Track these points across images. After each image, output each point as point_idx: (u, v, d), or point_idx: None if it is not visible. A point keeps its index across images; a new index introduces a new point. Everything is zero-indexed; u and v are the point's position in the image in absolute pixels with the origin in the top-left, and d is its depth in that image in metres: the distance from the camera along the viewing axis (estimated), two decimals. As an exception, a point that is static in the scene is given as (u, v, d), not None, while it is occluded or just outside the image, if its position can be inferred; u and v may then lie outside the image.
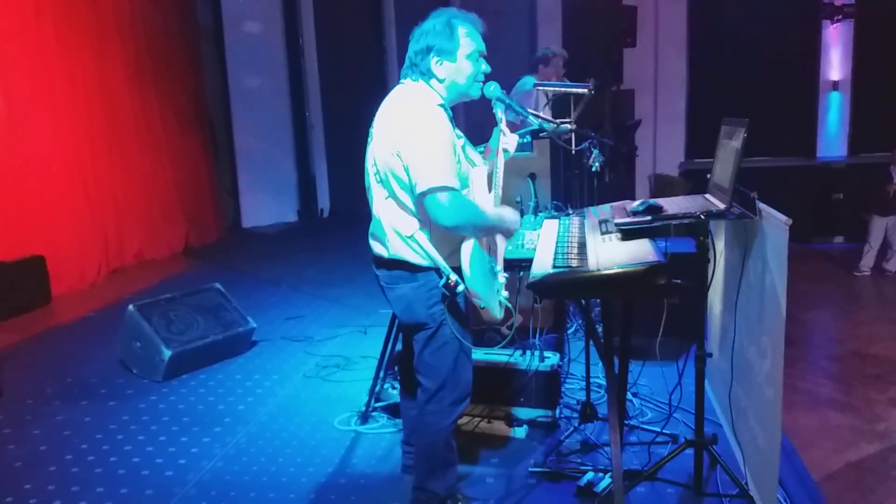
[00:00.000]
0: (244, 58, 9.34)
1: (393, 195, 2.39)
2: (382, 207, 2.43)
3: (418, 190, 2.27)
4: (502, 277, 2.54)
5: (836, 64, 9.42)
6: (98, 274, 6.71)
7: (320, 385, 4.16)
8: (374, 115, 2.48)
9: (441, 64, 2.40)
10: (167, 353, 4.14)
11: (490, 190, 2.51)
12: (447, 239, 2.36)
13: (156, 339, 4.18)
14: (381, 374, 3.66)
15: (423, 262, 2.39)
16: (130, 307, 4.29)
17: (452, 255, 2.35)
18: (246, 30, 9.33)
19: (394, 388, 3.68)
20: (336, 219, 10.09)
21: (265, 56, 9.58)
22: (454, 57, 2.40)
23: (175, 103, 8.18)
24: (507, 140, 2.64)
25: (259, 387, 4.14)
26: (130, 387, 4.16)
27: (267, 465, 3.25)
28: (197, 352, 4.33)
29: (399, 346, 3.46)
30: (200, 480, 3.13)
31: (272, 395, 4.02)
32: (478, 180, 2.47)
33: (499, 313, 2.46)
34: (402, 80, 2.48)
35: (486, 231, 2.44)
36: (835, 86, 9.46)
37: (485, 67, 2.47)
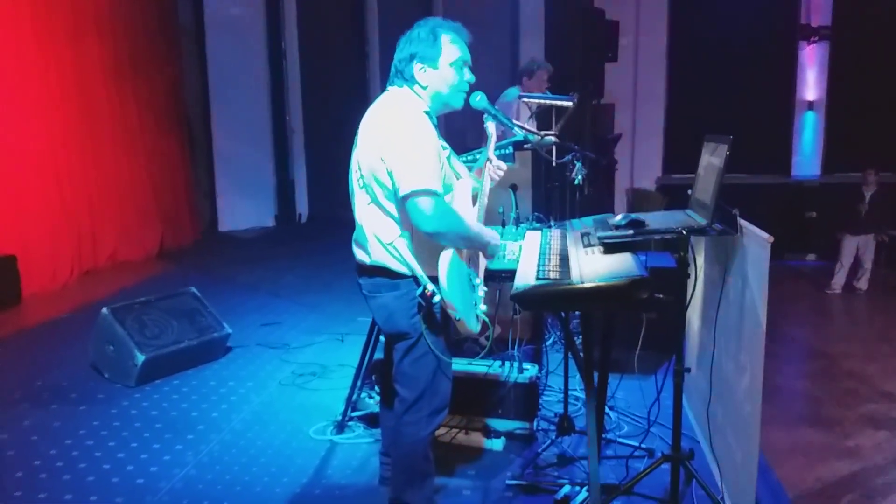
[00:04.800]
0: (225, 59, 9.28)
1: (375, 201, 2.38)
2: (365, 213, 2.42)
3: (401, 193, 2.25)
4: (481, 291, 2.53)
5: (811, 84, 9.60)
6: (70, 275, 6.60)
7: (296, 393, 4.11)
8: (356, 122, 2.47)
9: (424, 71, 2.40)
10: (140, 358, 4.08)
11: (474, 204, 2.51)
12: (426, 247, 2.35)
13: (129, 342, 4.11)
14: (359, 383, 3.63)
15: (403, 270, 2.37)
16: (104, 310, 4.21)
17: (432, 266, 2.33)
18: (227, 31, 9.27)
19: (371, 397, 3.66)
20: (314, 224, 10.05)
21: (246, 58, 9.53)
22: (436, 64, 2.40)
23: (153, 103, 8.10)
24: (492, 169, 2.61)
25: (234, 394, 4.09)
26: (102, 391, 4.08)
27: (241, 474, 3.20)
28: (171, 357, 4.27)
29: (377, 355, 3.44)
30: (172, 489, 3.07)
31: (247, 403, 3.97)
32: (461, 192, 2.46)
33: (475, 326, 2.44)
34: (387, 88, 2.48)
35: (466, 242, 2.42)
36: (810, 105, 9.64)
37: (468, 77, 2.47)
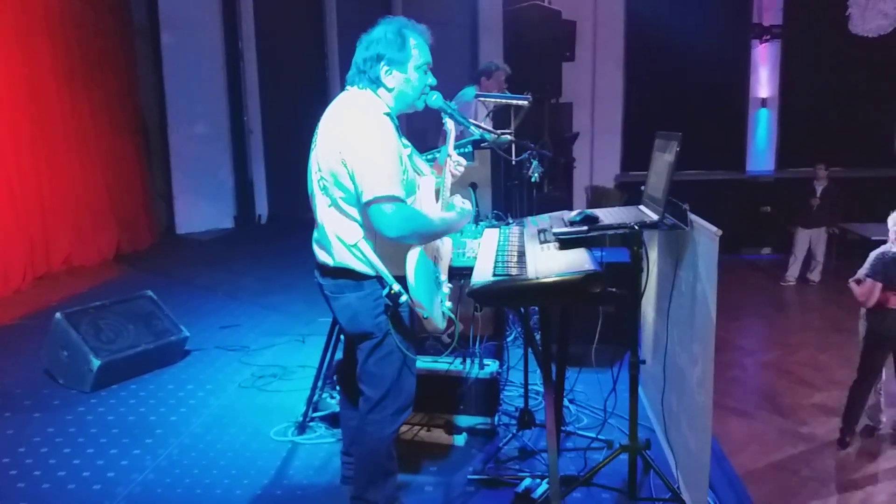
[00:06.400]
0: (181, 60, 9.12)
1: (335, 203, 2.37)
2: (326, 215, 2.41)
3: (364, 199, 2.26)
4: (446, 287, 2.55)
5: (764, 82, 9.82)
6: (23, 280, 6.44)
7: (256, 395, 4.08)
8: (315, 121, 2.46)
9: (391, 74, 2.39)
10: (96, 363, 4.01)
11: (437, 200, 2.52)
12: (391, 248, 2.35)
13: (84, 347, 4.04)
14: (320, 384, 3.62)
15: (368, 271, 2.38)
16: (58, 314, 4.13)
17: (397, 265, 2.34)
18: (183, 31, 9.12)
19: (332, 397, 3.64)
20: (274, 225, 9.94)
21: (203, 58, 9.39)
22: (405, 67, 2.40)
23: (108, 104, 7.94)
24: (452, 165, 2.63)
25: (192, 397, 4.04)
26: (57, 397, 4.00)
27: (200, 477, 3.17)
28: (127, 361, 4.20)
29: (338, 355, 3.44)
30: (130, 494, 3.03)
31: (206, 406, 3.93)
32: (425, 189, 2.48)
33: (442, 323, 2.46)
34: (347, 87, 2.46)
35: (432, 238, 2.44)
36: (763, 103, 9.85)
37: (430, 80, 2.48)
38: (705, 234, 2.54)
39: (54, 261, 7.02)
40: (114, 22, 8.18)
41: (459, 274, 2.86)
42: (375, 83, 2.40)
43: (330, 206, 2.38)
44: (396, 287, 2.33)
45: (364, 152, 2.27)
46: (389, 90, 2.41)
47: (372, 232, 2.34)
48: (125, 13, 8.53)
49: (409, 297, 2.31)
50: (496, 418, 3.52)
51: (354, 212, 2.35)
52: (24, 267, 6.50)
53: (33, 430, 3.62)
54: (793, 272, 8.02)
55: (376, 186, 2.24)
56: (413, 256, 2.30)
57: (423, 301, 2.32)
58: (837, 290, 7.59)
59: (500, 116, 4.80)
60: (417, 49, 2.41)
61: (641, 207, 2.92)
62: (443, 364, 3.52)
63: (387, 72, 2.38)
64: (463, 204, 2.55)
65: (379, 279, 2.37)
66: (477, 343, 3.69)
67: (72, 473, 3.19)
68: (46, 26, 6.99)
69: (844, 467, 4.13)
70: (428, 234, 2.38)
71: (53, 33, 7.09)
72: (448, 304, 2.53)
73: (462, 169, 2.66)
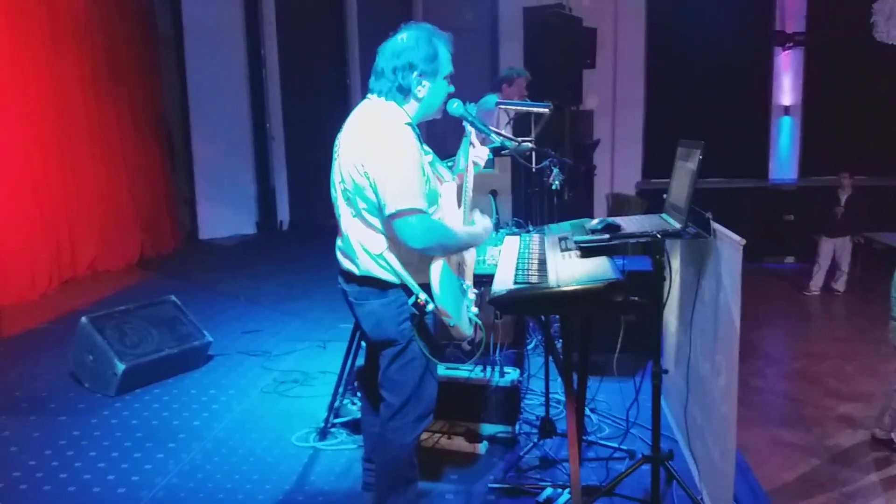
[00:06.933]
0: (204, 67, 9.23)
1: (359, 214, 2.38)
2: (350, 225, 2.42)
3: (387, 211, 2.26)
4: (472, 293, 2.56)
5: (787, 89, 9.73)
6: (49, 284, 6.54)
7: (278, 400, 4.11)
8: (336, 128, 2.46)
9: (423, 84, 2.38)
10: (120, 367, 4.05)
11: (459, 205, 2.53)
12: (416, 258, 2.36)
13: (109, 352, 4.09)
14: (341, 390, 3.63)
15: (393, 280, 2.38)
16: (83, 319, 4.19)
17: (422, 274, 2.35)
18: (206, 39, 9.23)
19: (353, 403, 3.66)
20: (296, 231, 10.01)
21: (225, 65, 9.49)
22: (436, 78, 2.40)
23: (132, 111, 8.05)
24: (476, 152, 2.66)
25: (215, 402, 4.08)
26: (82, 401, 4.05)
27: (223, 481, 3.19)
28: (151, 366, 4.24)
29: (360, 361, 3.45)
30: (154, 498, 3.06)
31: (228, 411, 3.96)
32: (447, 196, 2.49)
33: (469, 329, 2.47)
34: (369, 95, 2.45)
35: (457, 250, 2.45)
36: (786, 110, 9.76)
37: (449, 88, 2.49)
38: (728, 243, 2.52)
39: (80, 265, 7.12)
40: (139, 30, 8.31)
41: (480, 281, 2.87)
42: (404, 92, 2.38)
43: (354, 216, 2.39)
44: (423, 296, 2.33)
45: (386, 164, 2.27)
46: (419, 100, 2.41)
47: (396, 242, 2.35)
48: (150, 22, 8.66)
49: (436, 306, 2.32)
50: (517, 427, 3.51)
51: (377, 222, 2.36)
52: (51, 271, 6.60)
53: (59, 433, 3.67)
54: (817, 282, 7.91)
55: (399, 199, 2.24)
56: (437, 266, 2.32)
57: (449, 309, 2.34)
58: (863, 300, 7.50)
59: (521, 124, 4.81)
60: (446, 58, 2.42)
61: (664, 216, 2.91)
62: (463, 372, 3.52)
63: (420, 81, 2.38)
64: (483, 220, 2.56)
65: (404, 287, 2.38)
66: (497, 351, 3.69)
67: (97, 476, 3.23)
68: (73, 36, 7.11)
69: (873, 481, 4.06)
70: (452, 246, 2.39)
71: (80, 41, 7.21)
72: (475, 309, 2.54)
73: (484, 155, 2.69)
